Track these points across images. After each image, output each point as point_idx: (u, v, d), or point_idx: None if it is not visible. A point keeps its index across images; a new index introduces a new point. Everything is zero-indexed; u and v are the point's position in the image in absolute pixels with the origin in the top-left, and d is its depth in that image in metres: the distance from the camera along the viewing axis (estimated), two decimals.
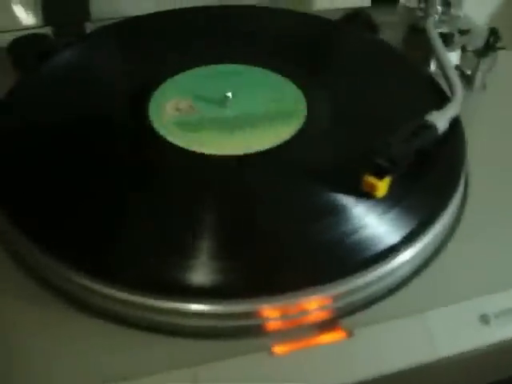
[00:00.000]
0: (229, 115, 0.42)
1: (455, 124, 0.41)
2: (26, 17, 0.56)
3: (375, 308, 0.32)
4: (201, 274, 0.31)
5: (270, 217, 0.34)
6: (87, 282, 0.32)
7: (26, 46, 0.52)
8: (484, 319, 0.32)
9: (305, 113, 0.42)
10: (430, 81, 0.47)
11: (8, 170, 0.37)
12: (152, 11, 0.54)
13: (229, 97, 0.42)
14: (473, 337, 0.32)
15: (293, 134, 0.40)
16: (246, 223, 0.34)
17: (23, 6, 0.56)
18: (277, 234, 0.33)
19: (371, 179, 0.35)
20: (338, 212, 0.34)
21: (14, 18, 0.56)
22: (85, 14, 0.56)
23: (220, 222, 0.34)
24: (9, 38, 0.52)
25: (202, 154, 0.38)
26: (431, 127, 0.38)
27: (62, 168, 0.37)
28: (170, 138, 0.39)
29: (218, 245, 0.33)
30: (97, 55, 0.49)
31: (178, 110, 0.42)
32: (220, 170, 0.37)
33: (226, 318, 0.31)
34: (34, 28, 0.55)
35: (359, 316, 0.32)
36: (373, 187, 0.35)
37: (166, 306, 0.31)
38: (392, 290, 0.33)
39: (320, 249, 0.33)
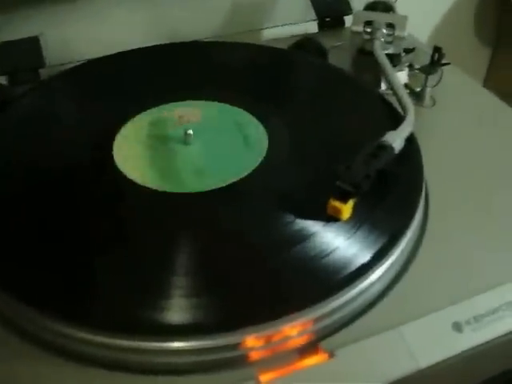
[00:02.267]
0: (192, 151, 0.43)
1: (411, 141, 0.43)
2: None
3: (353, 327, 0.33)
4: (180, 312, 0.32)
5: (243, 249, 0.35)
6: (68, 330, 0.32)
7: None
8: (457, 327, 0.33)
9: (266, 143, 0.43)
10: (382, 101, 0.49)
11: None
12: (102, 54, 0.55)
13: (190, 134, 0.43)
14: (448, 345, 0.33)
15: (256, 165, 0.41)
16: (219, 258, 0.35)
17: None
18: (251, 266, 0.34)
19: (336, 203, 0.36)
20: (307, 239, 0.36)
21: None
22: (38, 60, 0.57)
23: (192, 260, 0.35)
24: None
25: (167, 193, 0.39)
26: (388, 147, 0.40)
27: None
28: (137, 180, 0.40)
29: (195, 282, 0.34)
30: (53, 102, 0.50)
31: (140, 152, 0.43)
32: (187, 208, 0.38)
33: (209, 352, 0.31)
34: None
35: (338, 336, 0.33)
36: (338, 211, 0.36)
37: (149, 346, 0.31)
38: (367, 308, 0.34)
39: (294, 276, 0.34)
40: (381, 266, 0.35)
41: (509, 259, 0.38)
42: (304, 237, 0.35)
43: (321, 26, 0.66)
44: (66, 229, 0.37)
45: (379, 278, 0.35)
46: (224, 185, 0.39)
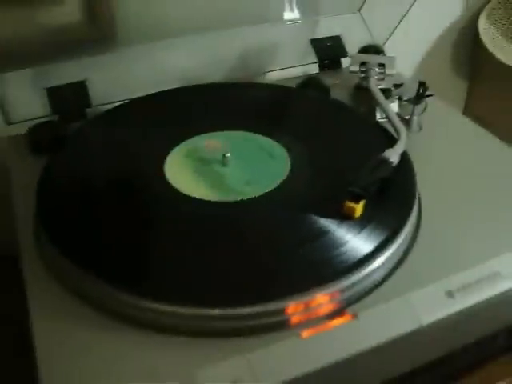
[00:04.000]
0: (232, 170, 0.53)
1: (404, 157, 0.54)
2: (38, 108, 0.66)
3: (371, 296, 0.43)
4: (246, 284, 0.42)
5: (284, 242, 0.46)
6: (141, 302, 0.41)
7: (40, 132, 0.62)
8: (450, 294, 0.43)
9: (288, 162, 0.54)
10: (379, 127, 0.60)
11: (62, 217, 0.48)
12: (140, 95, 0.66)
13: (228, 157, 0.54)
14: (443, 307, 0.43)
15: (282, 180, 0.52)
16: (266, 246, 0.45)
17: (35, 99, 0.66)
18: (293, 251, 0.45)
19: (351, 204, 0.46)
20: (330, 232, 0.46)
21: (29, 109, 0.66)
22: (85, 101, 0.67)
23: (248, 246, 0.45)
24: (26, 126, 0.63)
25: (212, 202, 0.49)
26: (387, 161, 0.50)
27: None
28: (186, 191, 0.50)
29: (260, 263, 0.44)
30: (107, 134, 0.60)
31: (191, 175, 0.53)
32: (244, 211, 0.49)
33: (264, 316, 0.41)
34: (45, 117, 0.66)
35: (360, 304, 0.43)
36: (352, 210, 0.46)
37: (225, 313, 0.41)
38: (380, 282, 0.44)
39: (323, 257, 0.44)
40: (387, 250, 0.45)
41: (489, 242, 0.48)
42: (328, 230, 0.46)
43: (321, 67, 0.77)
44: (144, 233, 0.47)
45: (387, 260, 0.45)
46: (261, 193, 0.50)
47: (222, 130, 0.59)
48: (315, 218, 0.47)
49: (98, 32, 0.69)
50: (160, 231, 0.47)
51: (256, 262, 0.44)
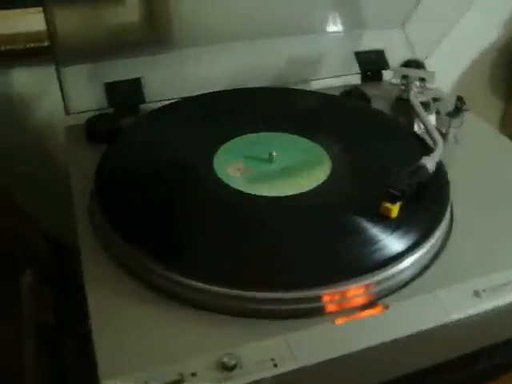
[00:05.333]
0: (275, 168, 0.57)
1: (440, 166, 0.57)
2: (95, 101, 0.71)
3: (403, 291, 0.46)
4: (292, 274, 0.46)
5: (326, 235, 0.49)
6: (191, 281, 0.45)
7: (97, 124, 0.67)
8: (477, 294, 0.46)
9: (330, 164, 0.57)
10: (416, 136, 0.63)
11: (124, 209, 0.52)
12: (190, 94, 0.70)
13: (274, 155, 0.57)
14: (469, 306, 0.46)
15: (323, 179, 0.55)
16: (309, 238, 0.48)
17: (93, 92, 0.71)
18: (333, 246, 0.48)
19: (387, 204, 0.49)
20: (369, 229, 0.49)
21: (86, 102, 0.70)
22: (139, 97, 0.71)
23: (289, 238, 0.49)
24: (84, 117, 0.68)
25: (263, 196, 0.53)
26: (424, 168, 0.53)
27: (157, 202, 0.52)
28: (236, 187, 0.54)
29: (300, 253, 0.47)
30: (164, 128, 0.64)
31: (237, 170, 0.57)
32: (278, 206, 0.52)
33: (302, 302, 0.44)
34: (101, 109, 0.70)
35: (392, 297, 0.46)
36: (389, 211, 0.49)
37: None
38: (413, 278, 0.47)
39: (359, 253, 0.47)
40: (419, 250, 0.48)
41: None
42: (366, 227, 0.49)
43: (363, 78, 0.80)
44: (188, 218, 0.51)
45: (419, 259, 0.48)
46: (304, 190, 0.53)
47: (268, 131, 0.63)
48: (355, 216, 0.50)
49: (154, 33, 0.74)
50: (211, 220, 0.50)
51: (298, 253, 0.47)
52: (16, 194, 0.76)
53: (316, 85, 0.83)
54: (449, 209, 0.53)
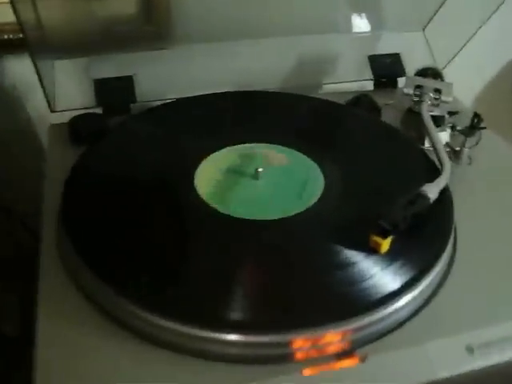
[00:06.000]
0: (261, 186, 0.52)
1: (445, 193, 0.50)
2: (83, 98, 0.66)
3: (385, 340, 0.41)
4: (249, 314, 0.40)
5: (302, 270, 0.43)
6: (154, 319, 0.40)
7: (82, 124, 0.62)
8: (470, 349, 0.40)
9: (321, 185, 0.52)
10: (424, 155, 0.57)
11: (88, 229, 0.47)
12: (188, 95, 0.64)
13: (260, 172, 0.52)
14: (460, 363, 0.40)
15: (313, 202, 0.49)
16: (280, 275, 0.43)
17: (81, 89, 0.67)
18: (306, 283, 0.42)
19: (376, 238, 0.44)
20: (352, 265, 0.43)
21: (73, 99, 0.66)
22: (130, 96, 0.67)
23: (257, 273, 0.43)
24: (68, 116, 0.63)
25: (239, 219, 0.47)
26: (425, 197, 0.47)
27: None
28: (212, 205, 0.49)
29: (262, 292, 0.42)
30: (147, 132, 0.59)
31: (216, 181, 0.52)
32: (255, 232, 0.47)
33: (268, 347, 0.39)
34: (89, 108, 0.66)
35: (372, 346, 0.40)
36: (377, 245, 0.44)
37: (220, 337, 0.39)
38: (399, 325, 0.41)
39: (339, 293, 0.41)
40: (410, 293, 0.42)
41: None
42: (349, 263, 0.43)
43: (376, 85, 0.74)
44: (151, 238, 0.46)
45: (408, 303, 0.42)
46: (288, 215, 0.48)
47: (266, 142, 0.58)
48: (336, 248, 0.45)
49: (151, 27, 0.69)
50: (179, 248, 0.45)
51: (266, 291, 0.42)
52: None
53: (326, 89, 0.77)
54: (449, 247, 0.47)
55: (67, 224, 0.46)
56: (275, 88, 0.72)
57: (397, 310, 0.41)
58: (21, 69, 0.73)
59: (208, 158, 0.54)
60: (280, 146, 0.57)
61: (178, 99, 0.64)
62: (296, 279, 0.42)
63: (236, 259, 0.44)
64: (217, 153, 0.55)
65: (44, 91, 0.62)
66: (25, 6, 0.55)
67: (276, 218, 0.48)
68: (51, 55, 0.64)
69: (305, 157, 0.55)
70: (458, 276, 0.46)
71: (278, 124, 0.60)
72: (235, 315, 0.40)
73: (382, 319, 0.41)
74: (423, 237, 0.47)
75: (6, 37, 0.70)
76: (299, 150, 0.56)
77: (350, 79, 0.74)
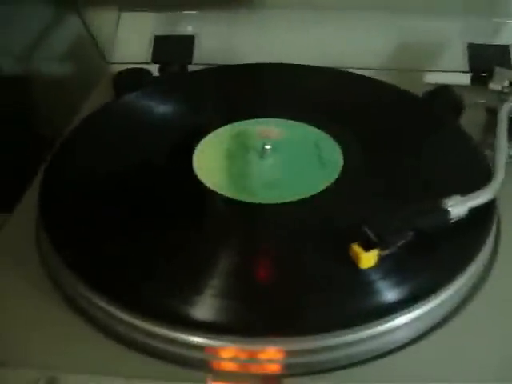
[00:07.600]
0: (267, 166, 0.45)
1: (487, 210, 0.39)
2: (140, 53, 0.63)
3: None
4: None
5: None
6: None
7: (126, 78, 0.58)
8: None
9: (340, 165, 0.44)
10: (482, 161, 0.46)
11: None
12: (245, 62, 0.59)
13: (267, 149, 0.45)
14: None
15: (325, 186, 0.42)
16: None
17: (142, 44, 0.64)
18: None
19: (356, 248, 0.35)
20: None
21: (132, 53, 0.64)
22: (188, 57, 0.63)
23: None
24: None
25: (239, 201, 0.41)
26: (442, 211, 0.37)
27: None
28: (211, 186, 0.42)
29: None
30: (160, 99, 0.54)
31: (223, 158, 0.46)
32: (245, 216, 0.41)
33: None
34: (145, 63, 0.62)
35: (304, 380, 0.32)
36: (356, 257, 0.35)
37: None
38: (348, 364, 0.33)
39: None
40: (386, 333, 0.33)
41: None
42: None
43: (473, 79, 0.62)
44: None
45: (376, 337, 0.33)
46: (294, 199, 0.41)
47: (281, 117, 0.51)
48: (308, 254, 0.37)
49: None
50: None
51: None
52: None
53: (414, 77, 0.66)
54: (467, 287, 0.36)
55: (44, 213, 0.42)
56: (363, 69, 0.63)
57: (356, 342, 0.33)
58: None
59: (213, 132, 0.49)
60: (298, 122, 0.50)
61: (220, 65, 0.60)
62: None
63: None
64: (206, 139, 0.48)
65: (96, 43, 0.60)
66: None
67: (274, 203, 0.41)
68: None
69: (325, 135, 0.48)
70: (466, 321, 0.35)
71: (310, 101, 0.53)
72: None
73: (335, 347, 0.33)
74: (432, 258, 0.37)
75: None
76: (327, 132, 0.48)
77: (443, 69, 0.63)
